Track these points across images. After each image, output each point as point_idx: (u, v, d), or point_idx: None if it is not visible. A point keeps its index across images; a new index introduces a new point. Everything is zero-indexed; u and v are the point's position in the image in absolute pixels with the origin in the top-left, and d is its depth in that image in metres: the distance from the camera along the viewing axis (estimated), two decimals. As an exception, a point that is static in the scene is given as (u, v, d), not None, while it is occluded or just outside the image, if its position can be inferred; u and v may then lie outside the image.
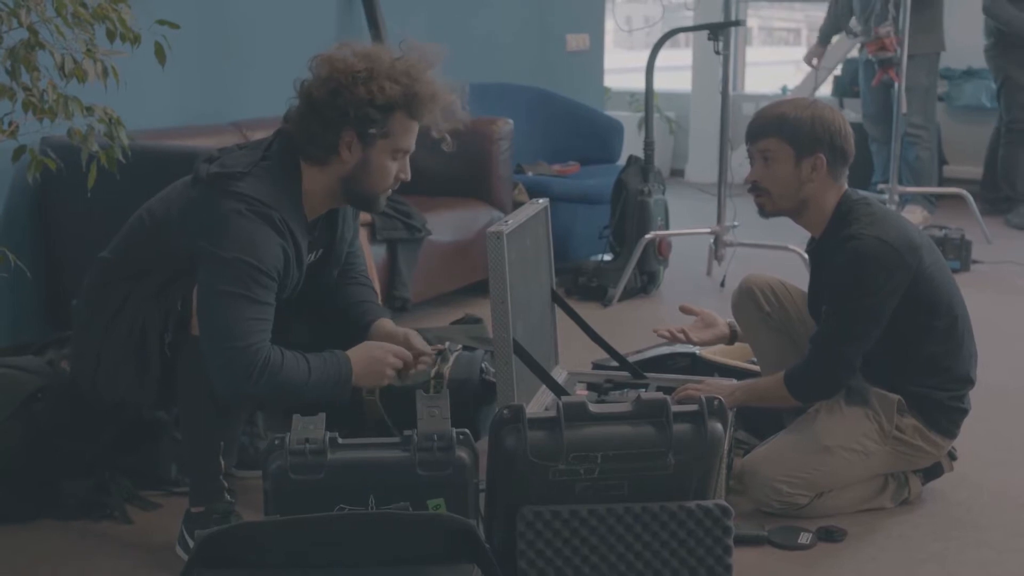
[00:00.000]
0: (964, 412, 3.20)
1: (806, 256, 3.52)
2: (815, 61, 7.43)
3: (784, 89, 9.27)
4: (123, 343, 2.83)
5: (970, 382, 3.20)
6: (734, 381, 3.37)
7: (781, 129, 3.11)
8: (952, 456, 3.27)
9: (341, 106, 2.84)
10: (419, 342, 3.09)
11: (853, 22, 7.15)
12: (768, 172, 3.14)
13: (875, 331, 3.05)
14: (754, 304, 3.37)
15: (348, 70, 2.85)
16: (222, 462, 2.84)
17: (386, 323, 3.15)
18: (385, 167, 2.92)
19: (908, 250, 3.04)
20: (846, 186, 3.17)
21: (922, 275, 3.06)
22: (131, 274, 2.87)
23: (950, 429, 3.18)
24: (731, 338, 3.56)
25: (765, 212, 3.22)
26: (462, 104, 3.00)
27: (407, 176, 2.98)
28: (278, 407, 2.79)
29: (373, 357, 2.90)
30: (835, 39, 7.49)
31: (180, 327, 2.78)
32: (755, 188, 3.19)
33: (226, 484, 2.86)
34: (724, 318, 3.56)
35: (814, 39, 7.58)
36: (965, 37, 7.97)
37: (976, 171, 8.22)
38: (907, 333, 3.09)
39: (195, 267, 2.76)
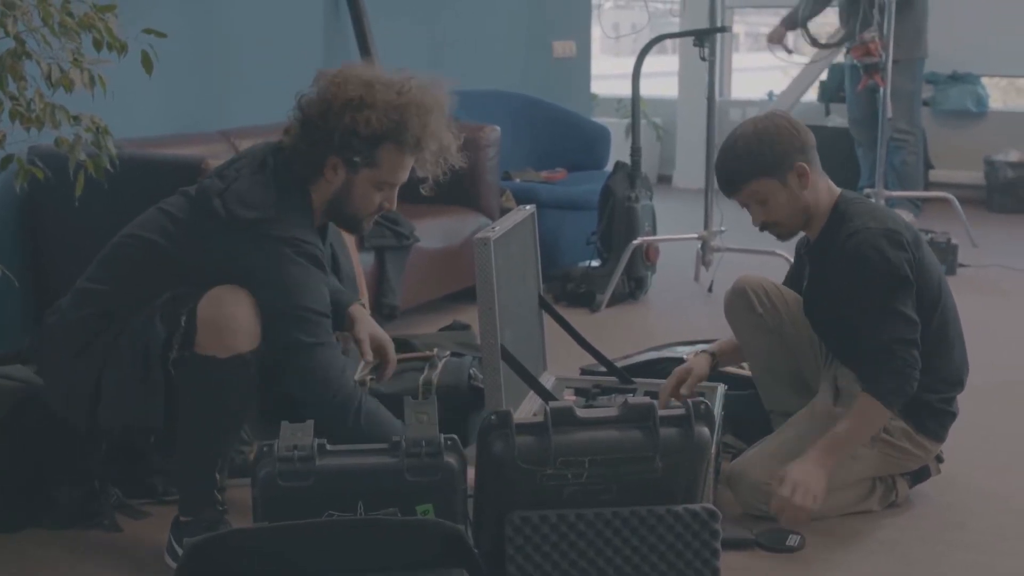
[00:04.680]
0: (952, 416, 3.21)
1: (791, 260, 3.52)
2: (781, 43, 7.15)
3: (770, 95, 9.30)
4: (126, 369, 2.79)
5: (960, 385, 3.22)
6: (811, 466, 3.05)
7: (752, 171, 3.12)
8: (939, 459, 3.29)
9: (328, 130, 2.86)
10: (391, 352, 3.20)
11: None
12: (768, 209, 3.16)
13: (915, 307, 3.04)
14: (747, 305, 3.37)
15: (342, 95, 2.86)
16: (218, 476, 2.84)
17: (361, 312, 3.19)
18: (367, 195, 2.94)
19: (911, 239, 3.08)
20: (836, 186, 3.20)
21: (922, 269, 3.08)
22: (132, 303, 2.85)
23: (938, 432, 3.19)
24: (713, 363, 3.44)
25: (785, 238, 3.26)
26: (457, 148, 3.01)
27: (392, 206, 3.00)
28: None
29: None
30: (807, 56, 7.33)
31: (185, 344, 2.76)
32: (765, 226, 3.21)
33: (219, 496, 2.86)
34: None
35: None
36: (950, 42, 8.01)
37: (961, 175, 8.26)
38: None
39: (271, 338, 2.81)
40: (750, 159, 3.12)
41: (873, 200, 6.60)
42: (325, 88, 2.89)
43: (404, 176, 2.97)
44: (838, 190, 3.20)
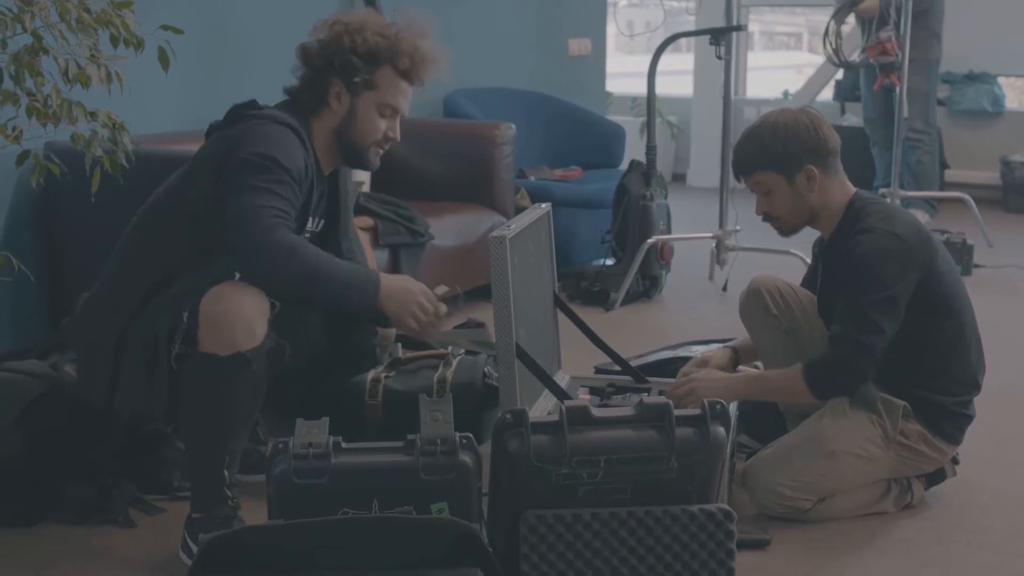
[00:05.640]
0: (969, 419, 3.20)
1: (807, 260, 3.51)
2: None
3: (786, 94, 9.28)
4: (136, 358, 2.82)
5: (975, 387, 3.20)
6: (724, 374, 3.28)
7: (760, 162, 3.16)
8: (955, 461, 3.27)
9: (328, 55, 3.01)
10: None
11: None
12: (770, 201, 3.19)
13: (894, 324, 3.03)
14: (761, 306, 3.35)
15: (338, 27, 3.03)
16: (226, 473, 2.83)
17: None
18: (372, 119, 3.05)
19: (920, 245, 3.07)
20: (850, 184, 3.20)
21: (934, 272, 3.07)
22: (147, 275, 2.87)
23: (954, 435, 3.18)
24: (734, 357, 3.47)
25: (785, 233, 3.28)
26: (447, 67, 3.14)
27: (396, 135, 3.10)
28: (303, 298, 2.84)
29: (406, 288, 2.91)
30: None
31: (187, 340, 2.77)
32: (767, 218, 3.25)
33: (229, 493, 2.85)
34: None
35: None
36: (967, 42, 7.98)
37: (977, 175, 8.23)
38: (913, 333, 3.09)
39: (223, 186, 2.82)
40: (761, 150, 3.15)
41: (889, 200, 6.61)
42: (321, 29, 3.06)
43: (405, 104, 3.10)
44: (853, 189, 3.20)
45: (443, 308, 2.96)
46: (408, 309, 2.88)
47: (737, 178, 3.27)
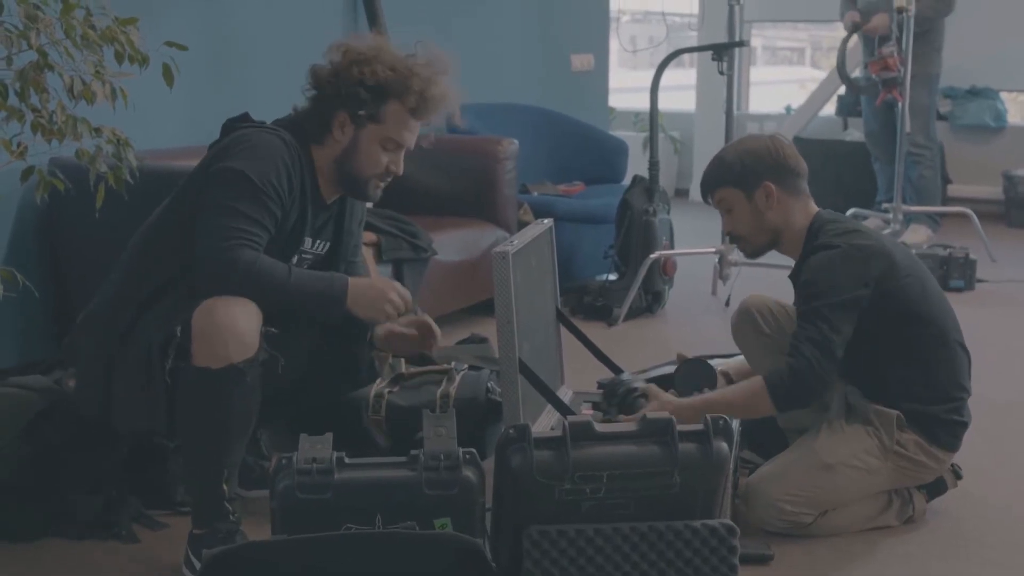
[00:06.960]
0: (964, 425, 3.20)
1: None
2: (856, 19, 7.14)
3: (788, 109, 9.29)
4: (131, 374, 2.82)
5: (964, 390, 3.20)
6: (676, 401, 3.19)
7: (720, 179, 3.23)
8: (957, 475, 3.27)
9: (335, 85, 2.97)
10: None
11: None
12: (732, 219, 3.25)
13: (849, 328, 3.05)
14: (753, 327, 3.35)
15: (351, 54, 2.98)
16: (226, 488, 2.82)
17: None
18: (373, 153, 3.00)
19: (876, 258, 3.08)
20: (814, 205, 3.25)
21: (894, 282, 3.09)
22: (139, 292, 2.88)
23: (951, 442, 3.18)
24: (728, 383, 3.46)
25: (749, 254, 3.33)
26: (459, 113, 3.11)
27: (399, 170, 3.06)
28: (272, 309, 2.82)
29: (373, 287, 2.93)
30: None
31: (181, 354, 2.77)
32: (732, 237, 3.32)
33: (230, 507, 2.85)
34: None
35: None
36: (969, 57, 7.99)
37: (979, 190, 8.24)
38: (892, 347, 3.12)
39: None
40: (723, 168, 3.24)
41: (891, 214, 6.61)
42: (334, 53, 3.01)
43: (411, 139, 3.05)
44: (815, 210, 3.24)
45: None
46: (380, 308, 2.90)
47: (704, 199, 3.32)
